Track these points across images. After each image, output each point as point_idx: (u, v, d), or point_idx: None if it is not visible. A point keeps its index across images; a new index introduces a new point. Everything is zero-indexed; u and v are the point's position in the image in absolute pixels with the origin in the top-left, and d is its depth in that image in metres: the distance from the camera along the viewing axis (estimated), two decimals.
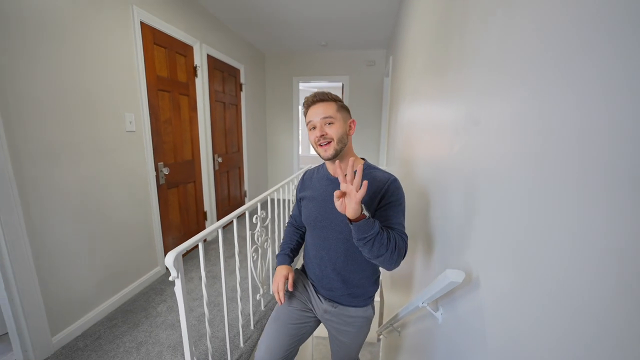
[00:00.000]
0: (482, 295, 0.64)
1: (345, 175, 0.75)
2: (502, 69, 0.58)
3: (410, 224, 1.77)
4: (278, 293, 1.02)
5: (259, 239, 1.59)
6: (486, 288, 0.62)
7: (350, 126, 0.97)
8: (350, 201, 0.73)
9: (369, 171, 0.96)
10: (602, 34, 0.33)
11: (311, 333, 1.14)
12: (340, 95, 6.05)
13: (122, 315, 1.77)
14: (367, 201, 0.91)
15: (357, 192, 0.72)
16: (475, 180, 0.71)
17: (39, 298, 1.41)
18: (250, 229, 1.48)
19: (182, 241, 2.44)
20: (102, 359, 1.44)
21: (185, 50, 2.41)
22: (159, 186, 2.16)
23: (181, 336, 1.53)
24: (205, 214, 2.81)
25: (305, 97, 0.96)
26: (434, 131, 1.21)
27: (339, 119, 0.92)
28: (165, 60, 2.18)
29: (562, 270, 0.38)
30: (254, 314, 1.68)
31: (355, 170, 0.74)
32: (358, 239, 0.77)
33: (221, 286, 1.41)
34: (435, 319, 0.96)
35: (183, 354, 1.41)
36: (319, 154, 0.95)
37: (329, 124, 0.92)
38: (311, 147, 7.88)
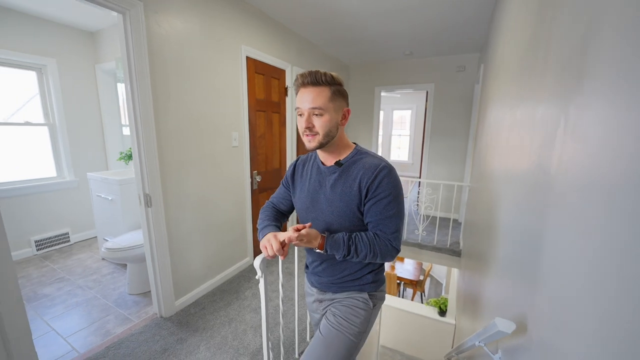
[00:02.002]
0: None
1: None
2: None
3: (480, 241, 1.66)
4: (275, 252, 0.84)
5: None
6: (550, 351, 0.52)
7: (343, 115, 0.89)
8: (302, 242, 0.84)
9: (359, 157, 0.91)
10: None
11: None
12: (423, 105, 5.61)
13: (220, 293, 2.21)
14: (355, 190, 0.87)
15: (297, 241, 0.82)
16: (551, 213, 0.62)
17: (169, 270, 1.92)
18: None
19: None
20: (206, 325, 1.86)
21: (279, 74, 2.79)
22: (252, 191, 2.58)
23: (261, 320, 1.84)
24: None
25: (297, 75, 0.86)
26: (514, 145, 1.13)
27: (329, 110, 0.83)
28: (263, 85, 2.59)
29: None
30: None
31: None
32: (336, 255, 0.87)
33: (295, 283, 1.63)
34: None
35: (262, 336, 1.70)
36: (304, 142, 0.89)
37: (317, 114, 0.83)
38: (391, 151, 7.68)
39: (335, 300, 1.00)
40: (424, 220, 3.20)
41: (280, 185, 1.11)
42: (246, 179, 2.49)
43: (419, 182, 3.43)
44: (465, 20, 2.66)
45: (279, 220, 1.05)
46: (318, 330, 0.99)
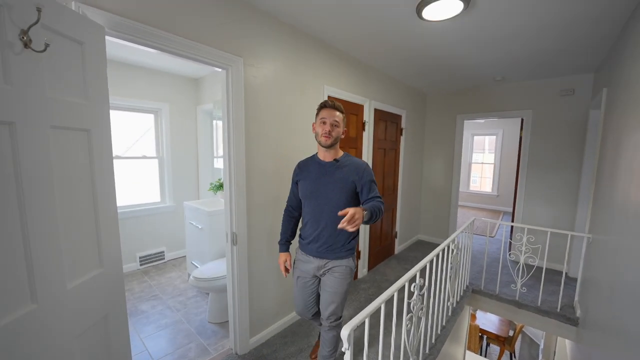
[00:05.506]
0: None
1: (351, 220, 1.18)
2: None
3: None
4: (283, 271, 1.60)
5: (414, 307, 1.55)
6: None
7: (344, 132, 1.46)
8: (358, 223, 1.18)
9: (349, 158, 1.48)
10: None
11: (318, 290, 1.58)
12: (512, 129, 6.59)
13: (291, 335, 2.14)
14: (354, 176, 1.41)
15: (356, 223, 1.16)
16: None
17: (247, 307, 1.94)
18: (407, 297, 1.47)
19: None
20: None
21: (357, 110, 2.77)
22: None
23: None
24: (359, 253, 3.03)
25: (325, 101, 1.44)
26: None
27: (341, 125, 1.42)
28: None
29: None
30: None
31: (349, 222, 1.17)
32: (368, 223, 1.29)
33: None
34: None
35: None
36: (319, 141, 1.42)
37: (335, 125, 1.40)
38: (471, 183, 7.27)
39: (332, 267, 1.46)
40: (523, 273, 2.67)
41: (291, 188, 1.62)
42: None
43: (512, 226, 2.91)
44: (579, 42, 2.25)
45: (294, 228, 1.65)
46: (325, 288, 1.50)
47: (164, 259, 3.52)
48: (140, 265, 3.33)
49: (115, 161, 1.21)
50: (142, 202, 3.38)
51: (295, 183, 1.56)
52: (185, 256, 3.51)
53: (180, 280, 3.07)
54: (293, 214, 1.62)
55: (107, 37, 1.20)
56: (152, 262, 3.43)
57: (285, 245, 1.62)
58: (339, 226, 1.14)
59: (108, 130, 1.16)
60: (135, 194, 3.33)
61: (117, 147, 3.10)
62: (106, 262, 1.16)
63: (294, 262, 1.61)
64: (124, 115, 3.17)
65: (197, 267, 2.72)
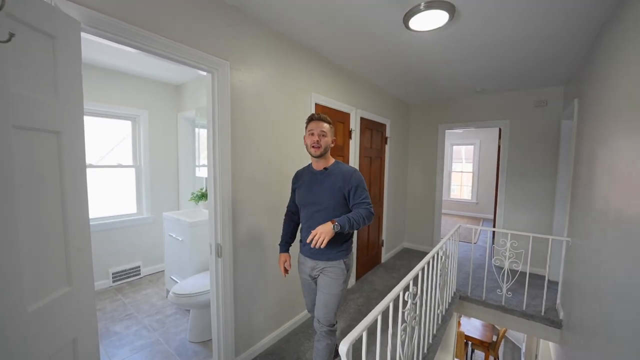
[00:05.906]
0: None
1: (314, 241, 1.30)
2: None
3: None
4: (283, 271, 1.65)
5: (408, 316, 1.51)
6: None
7: (332, 141, 1.52)
8: (323, 238, 1.28)
9: (338, 166, 1.52)
10: None
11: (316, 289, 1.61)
12: (489, 139, 6.68)
13: (279, 352, 2.03)
14: (340, 183, 1.45)
15: (321, 239, 1.27)
16: None
17: (232, 325, 1.82)
18: (401, 307, 1.43)
19: None
20: None
21: (344, 118, 2.77)
22: None
23: None
24: None
25: (312, 114, 1.51)
26: None
27: (329, 135, 1.48)
28: None
29: None
30: None
31: (313, 240, 1.30)
32: (349, 231, 1.37)
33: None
34: None
35: None
36: (310, 152, 1.49)
37: (323, 135, 1.46)
38: (451, 191, 7.51)
39: (324, 268, 1.50)
40: (508, 279, 2.71)
41: (290, 194, 1.70)
42: None
43: (493, 231, 2.98)
44: (553, 56, 2.38)
45: (294, 231, 1.71)
46: (319, 288, 1.54)
47: (139, 274, 3.29)
48: (114, 282, 3.09)
49: (87, 170, 1.11)
50: (116, 213, 3.16)
51: (293, 191, 1.66)
52: (163, 271, 3.31)
53: (157, 297, 2.86)
54: (293, 218, 1.69)
55: (84, 35, 1.12)
56: (127, 278, 3.19)
57: (285, 246, 1.67)
58: (312, 245, 1.30)
59: (81, 133, 1.06)
60: (109, 205, 3.12)
61: (90, 155, 2.91)
62: (75, 280, 1.04)
63: (298, 265, 1.67)
64: (99, 122, 3.00)
65: (176, 282, 2.56)
